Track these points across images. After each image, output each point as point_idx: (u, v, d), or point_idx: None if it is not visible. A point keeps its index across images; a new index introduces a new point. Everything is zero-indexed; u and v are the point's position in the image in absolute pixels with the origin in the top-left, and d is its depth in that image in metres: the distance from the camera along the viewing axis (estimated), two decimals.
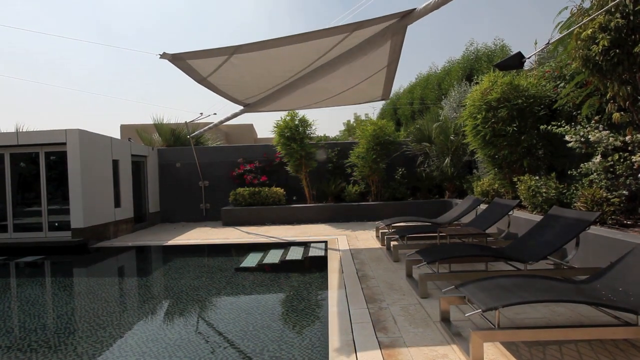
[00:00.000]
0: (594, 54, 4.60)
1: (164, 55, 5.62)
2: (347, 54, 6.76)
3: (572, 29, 4.74)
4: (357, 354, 2.81)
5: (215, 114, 14.18)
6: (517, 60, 4.66)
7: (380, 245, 6.88)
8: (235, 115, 9.55)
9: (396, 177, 11.10)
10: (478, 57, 14.56)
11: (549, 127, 6.19)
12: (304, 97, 9.38)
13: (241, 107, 9.40)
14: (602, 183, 5.19)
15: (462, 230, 5.69)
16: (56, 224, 8.44)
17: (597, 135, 5.29)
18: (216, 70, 6.54)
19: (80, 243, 7.93)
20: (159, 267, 7.08)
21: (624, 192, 4.94)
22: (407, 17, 5.87)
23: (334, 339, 3.08)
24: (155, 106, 33.51)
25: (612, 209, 4.83)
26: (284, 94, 8.34)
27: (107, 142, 9.10)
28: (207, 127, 10.64)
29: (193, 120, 11.04)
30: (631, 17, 4.32)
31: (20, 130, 8.92)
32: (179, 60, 5.88)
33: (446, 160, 10.18)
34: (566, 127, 5.85)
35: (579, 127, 5.68)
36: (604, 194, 4.96)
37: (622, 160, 5.08)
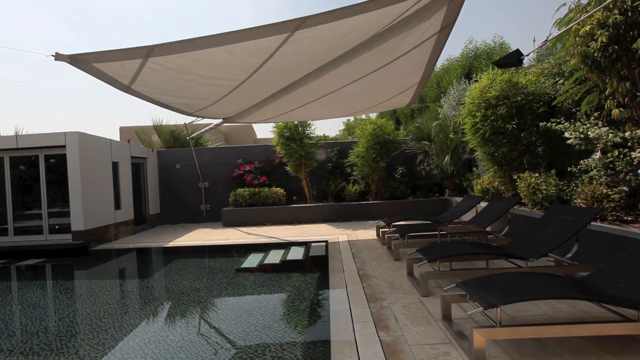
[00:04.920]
0: (592, 51, 4.60)
1: (58, 57, 4.10)
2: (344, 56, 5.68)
3: (570, 25, 4.73)
4: (359, 353, 2.81)
5: None
6: (515, 58, 4.68)
7: (380, 244, 6.88)
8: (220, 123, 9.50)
9: (396, 176, 11.10)
10: (477, 54, 14.56)
11: (548, 124, 6.19)
12: (323, 108, 8.93)
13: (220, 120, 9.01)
14: (602, 179, 5.19)
15: (463, 229, 5.70)
16: (57, 227, 8.44)
17: (596, 131, 5.29)
18: (137, 76, 5.08)
19: (81, 245, 7.93)
20: (160, 268, 7.07)
21: (624, 188, 4.94)
22: None
23: (336, 339, 3.08)
24: (155, 107, 33.43)
25: (612, 205, 4.83)
26: (288, 102, 7.42)
27: (106, 144, 9.10)
28: (206, 128, 10.64)
29: (192, 122, 11.01)
30: (629, 14, 4.32)
31: (20, 134, 8.93)
32: (82, 62, 4.42)
33: (446, 159, 10.18)
34: (565, 123, 5.85)
35: (578, 123, 5.68)
36: (604, 191, 4.96)
37: (621, 156, 5.08)
